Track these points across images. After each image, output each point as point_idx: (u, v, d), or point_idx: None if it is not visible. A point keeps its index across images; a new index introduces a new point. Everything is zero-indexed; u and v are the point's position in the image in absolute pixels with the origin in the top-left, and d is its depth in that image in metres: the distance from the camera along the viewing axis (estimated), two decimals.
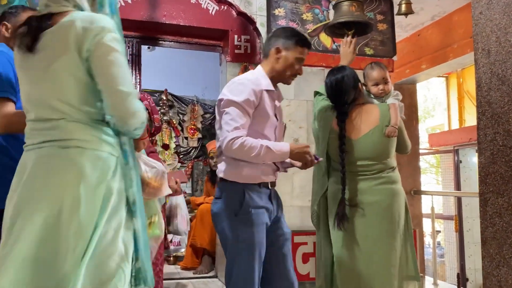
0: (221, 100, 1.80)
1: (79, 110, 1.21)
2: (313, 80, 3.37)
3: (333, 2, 2.93)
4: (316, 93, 2.34)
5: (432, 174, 10.39)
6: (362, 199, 2.09)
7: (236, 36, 3.32)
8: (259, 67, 1.91)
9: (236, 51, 3.32)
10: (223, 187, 1.82)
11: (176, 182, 2.33)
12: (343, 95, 2.13)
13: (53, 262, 1.10)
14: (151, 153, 2.25)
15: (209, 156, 4.12)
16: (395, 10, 3.58)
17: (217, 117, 1.84)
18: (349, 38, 2.37)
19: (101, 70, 1.21)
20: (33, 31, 1.22)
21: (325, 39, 3.43)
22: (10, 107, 1.49)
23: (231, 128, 1.70)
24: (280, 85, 1.93)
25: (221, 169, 1.82)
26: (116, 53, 1.22)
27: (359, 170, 2.13)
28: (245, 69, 3.32)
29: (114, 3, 1.36)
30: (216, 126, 1.85)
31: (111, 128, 1.26)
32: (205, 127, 5.74)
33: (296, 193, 3.27)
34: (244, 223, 1.74)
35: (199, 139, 5.68)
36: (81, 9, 1.27)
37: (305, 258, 3.10)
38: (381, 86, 2.32)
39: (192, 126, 5.67)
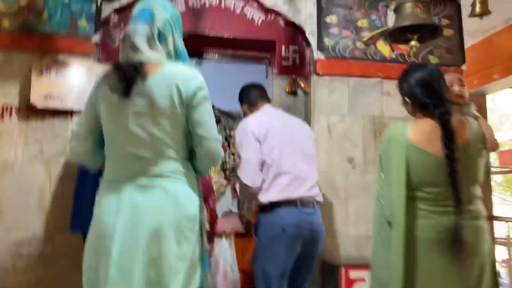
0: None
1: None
2: (370, 93, 3.04)
3: (392, 6, 2.63)
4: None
5: (499, 194, 9.55)
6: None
7: (283, 47, 3.08)
8: None
9: (284, 62, 3.07)
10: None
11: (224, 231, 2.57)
12: (441, 89, 1.66)
13: (159, 280, 1.31)
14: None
15: None
16: (463, 13, 3.21)
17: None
18: None
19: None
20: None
21: (383, 48, 3.10)
22: None
23: None
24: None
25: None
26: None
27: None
28: (293, 82, 3.06)
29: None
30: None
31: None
32: None
33: (352, 220, 2.92)
34: None
35: None
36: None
37: None
38: (456, 88, 2.03)
39: None
